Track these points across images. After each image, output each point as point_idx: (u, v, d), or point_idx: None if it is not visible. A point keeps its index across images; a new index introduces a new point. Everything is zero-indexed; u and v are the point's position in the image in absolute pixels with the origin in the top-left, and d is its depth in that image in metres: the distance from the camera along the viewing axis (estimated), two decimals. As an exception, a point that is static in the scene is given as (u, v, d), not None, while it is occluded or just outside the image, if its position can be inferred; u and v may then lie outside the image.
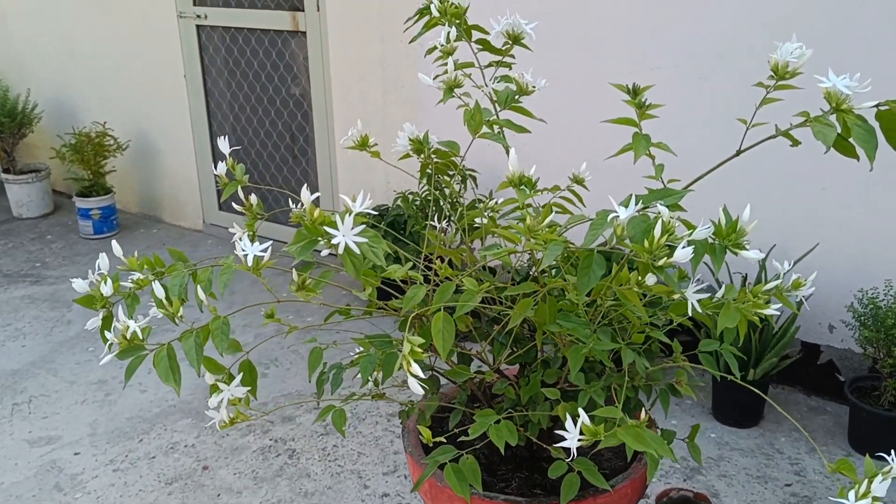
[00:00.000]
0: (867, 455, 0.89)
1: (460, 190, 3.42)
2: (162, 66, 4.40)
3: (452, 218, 2.16)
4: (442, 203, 3.57)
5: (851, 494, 0.79)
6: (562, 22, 3.10)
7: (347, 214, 0.91)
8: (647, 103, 1.09)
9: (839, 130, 1.01)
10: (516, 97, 1.38)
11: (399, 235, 3.42)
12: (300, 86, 4.04)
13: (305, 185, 1.05)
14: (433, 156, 1.50)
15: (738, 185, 2.84)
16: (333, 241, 0.90)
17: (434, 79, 1.46)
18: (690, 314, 0.99)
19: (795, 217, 2.83)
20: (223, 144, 1.31)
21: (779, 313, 0.98)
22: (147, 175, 4.78)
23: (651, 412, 1.55)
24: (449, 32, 1.39)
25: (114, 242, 1.13)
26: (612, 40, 3.01)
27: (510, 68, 1.49)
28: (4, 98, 4.73)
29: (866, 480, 0.79)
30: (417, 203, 3.41)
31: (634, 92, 1.11)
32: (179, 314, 1.02)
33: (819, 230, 2.80)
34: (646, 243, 0.90)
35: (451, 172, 1.53)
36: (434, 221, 1.65)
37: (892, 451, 0.95)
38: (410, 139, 1.49)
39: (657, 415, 2.81)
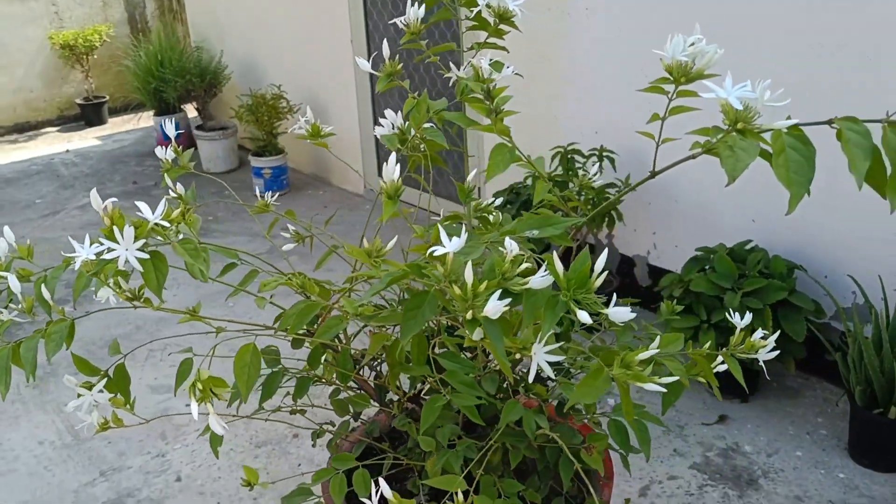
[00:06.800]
0: None
1: (596, 172, 3.14)
2: (331, 31, 4.47)
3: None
4: (571, 185, 3.33)
5: None
6: None
7: (128, 226, 0.78)
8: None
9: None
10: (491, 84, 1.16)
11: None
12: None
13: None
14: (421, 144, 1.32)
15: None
16: (110, 256, 0.78)
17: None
18: (532, 379, 0.76)
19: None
20: (169, 127, 1.23)
21: (664, 389, 0.72)
22: (318, 138, 4.90)
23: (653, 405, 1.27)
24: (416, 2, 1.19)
25: (6, 229, 1.09)
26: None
27: (505, 49, 1.26)
28: (198, 60, 5.06)
29: None
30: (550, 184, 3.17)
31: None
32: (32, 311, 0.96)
33: None
34: (457, 289, 0.69)
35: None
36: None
37: None
38: (396, 127, 1.32)
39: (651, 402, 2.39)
